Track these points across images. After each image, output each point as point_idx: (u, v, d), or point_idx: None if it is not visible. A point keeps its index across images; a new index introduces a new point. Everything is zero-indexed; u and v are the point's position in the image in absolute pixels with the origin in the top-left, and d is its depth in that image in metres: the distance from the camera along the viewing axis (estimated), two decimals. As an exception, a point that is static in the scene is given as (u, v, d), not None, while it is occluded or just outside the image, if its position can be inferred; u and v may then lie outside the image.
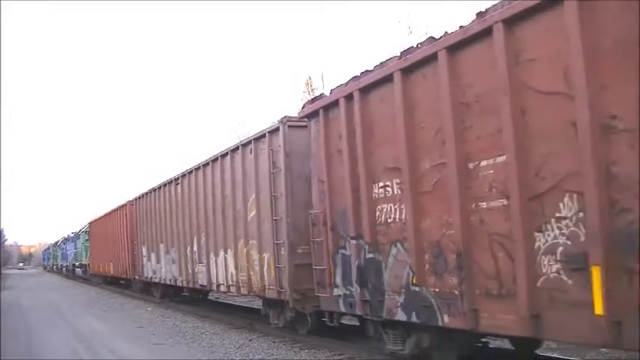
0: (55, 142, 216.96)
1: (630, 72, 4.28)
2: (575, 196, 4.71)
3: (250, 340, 10.61)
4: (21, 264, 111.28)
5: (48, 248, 76.62)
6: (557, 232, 4.89)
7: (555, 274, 4.92)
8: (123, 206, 24.40)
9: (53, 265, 63.81)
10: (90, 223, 34.65)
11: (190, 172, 15.12)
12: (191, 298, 17.96)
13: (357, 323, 9.19)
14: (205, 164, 13.92)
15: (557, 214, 4.87)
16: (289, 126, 9.89)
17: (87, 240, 35.33)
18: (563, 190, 4.80)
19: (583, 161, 4.57)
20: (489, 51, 5.40)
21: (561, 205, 4.83)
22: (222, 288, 13.24)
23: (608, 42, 4.45)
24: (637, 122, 4.25)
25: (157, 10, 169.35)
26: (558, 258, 4.89)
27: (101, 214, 31.02)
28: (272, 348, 9.75)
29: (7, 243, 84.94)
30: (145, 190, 20.34)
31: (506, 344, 7.87)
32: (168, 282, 17.81)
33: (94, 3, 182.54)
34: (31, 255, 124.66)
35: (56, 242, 61.16)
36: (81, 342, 11.35)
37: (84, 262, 37.36)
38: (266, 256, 10.67)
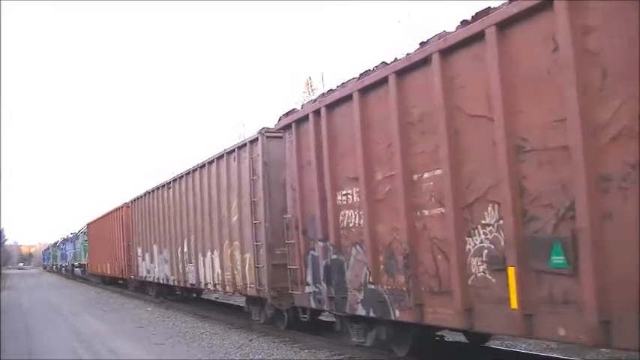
0: (55, 142, 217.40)
1: (538, 101, 4.96)
2: (496, 206, 5.40)
3: (250, 340, 10.53)
4: (21, 264, 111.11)
5: (48, 248, 77.16)
6: (483, 237, 5.57)
7: (482, 274, 5.61)
8: (119, 208, 25.06)
9: (53, 265, 64.34)
10: (88, 225, 35.26)
11: (181, 177, 15.79)
12: (184, 297, 18.69)
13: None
14: (194, 170, 14.59)
15: (483, 222, 5.56)
16: (267, 137, 10.56)
17: (85, 241, 35.94)
18: (488, 200, 5.49)
19: (501, 176, 5.25)
20: (429, 77, 6.09)
21: (486, 213, 5.52)
22: (210, 287, 13.94)
23: (521, 75, 5.13)
24: (542, 144, 4.93)
25: (158, 10, 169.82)
26: (484, 259, 5.58)
27: (99, 215, 31.68)
28: (272, 348, 9.68)
29: (7, 243, 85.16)
30: (141, 192, 21.01)
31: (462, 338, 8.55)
32: (161, 281, 18.48)
33: (94, 3, 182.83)
34: (31, 255, 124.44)
35: (56, 243, 61.73)
36: (81, 342, 11.31)
37: (83, 263, 37.97)
38: (247, 256, 11.35)
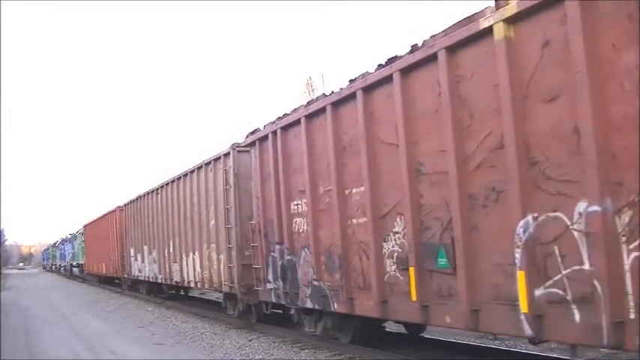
0: (55, 142, 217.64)
1: (429, 134, 6.12)
2: (402, 217, 6.55)
3: (250, 340, 10.49)
4: (21, 264, 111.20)
5: (47, 249, 78.13)
6: (394, 242, 6.73)
7: (393, 273, 6.77)
8: (113, 211, 26.17)
9: (52, 265, 65.36)
10: (85, 226, 36.35)
11: (167, 184, 16.92)
12: (174, 295, 19.78)
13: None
14: (178, 178, 15.73)
15: (394, 230, 6.71)
16: (238, 151, 11.70)
17: (83, 241, 37.04)
18: (396, 212, 6.64)
19: (404, 193, 6.41)
20: (355, 109, 7.25)
21: (395, 223, 6.67)
22: (192, 284, 15.10)
23: (418, 112, 6.28)
24: (432, 169, 6.09)
25: (158, 10, 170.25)
26: (394, 261, 6.73)
27: (95, 217, 32.76)
28: (272, 348, 9.65)
29: (7, 243, 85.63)
30: (133, 197, 22.14)
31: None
32: (151, 280, 19.62)
33: (94, 3, 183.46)
34: (31, 255, 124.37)
35: (55, 243, 62.75)
36: (81, 342, 11.30)
37: (80, 262, 39.06)
38: (222, 257, 12.50)
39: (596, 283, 4.46)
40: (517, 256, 5.09)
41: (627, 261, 4.27)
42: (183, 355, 9.48)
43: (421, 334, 9.44)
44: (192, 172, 14.52)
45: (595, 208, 4.40)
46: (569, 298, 4.72)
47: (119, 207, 25.10)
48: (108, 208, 28.59)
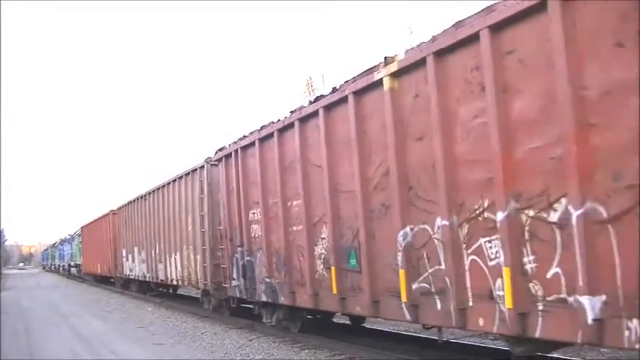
0: (56, 142, 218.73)
1: (344, 159, 7.51)
2: (327, 225, 7.95)
3: (250, 340, 10.44)
4: (21, 264, 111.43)
5: (47, 249, 79.37)
6: (321, 246, 8.13)
7: (321, 271, 8.18)
8: (107, 214, 27.54)
9: (51, 265, 66.61)
10: (82, 228, 37.68)
11: (154, 191, 18.31)
12: (165, 293, 21.14)
13: (349, 322, 10.74)
14: (163, 186, 17.12)
15: (321, 236, 8.12)
16: (211, 164, 13.09)
17: (80, 242, 38.37)
18: (323, 222, 8.04)
19: (327, 207, 7.82)
20: (294, 136, 8.65)
21: (322, 230, 8.08)
22: (175, 282, 16.50)
23: (337, 141, 7.68)
24: (346, 188, 7.49)
25: (157, 10, 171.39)
26: (322, 261, 8.14)
27: (92, 219, 34.10)
28: (272, 348, 9.61)
29: (7, 243, 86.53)
30: (124, 202, 23.52)
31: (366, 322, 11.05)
32: (140, 278, 21.02)
33: (94, 3, 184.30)
34: (31, 255, 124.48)
35: (54, 243, 64.00)
36: (81, 342, 11.25)
37: (78, 263, 40.37)
38: (198, 257, 13.90)
39: (447, 279, 5.87)
40: (399, 258, 6.50)
41: (466, 262, 5.68)
42: (183, 355, 9.40)
43: (363, 325, 10.87)
44: (174, 181, 15.91)
45: (445, 222, 5.81)
46: (433, 290, 6.13)
47: (112, 211, 26.48)
48: (106, 209, 30.07)
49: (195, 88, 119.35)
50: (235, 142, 11.04)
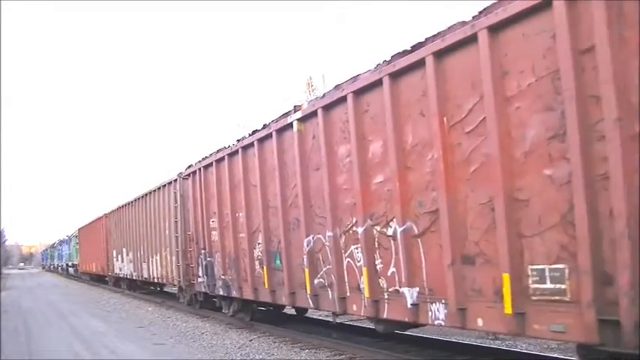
0: (56, 142, 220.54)
1: (271, 182, 9.47)
2: (261, 233, 9.93)
3: (251, 340, 10.49)
4: (22, 264, 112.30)
5: (46, 249, 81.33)
6: (259, 249, 10.11)
7: (259, 269, 10.17)
8: (100, 217, 29.53)
9: (50, 265, 68.62)
10: (79, 229, 39.68)
11: (139, 198, 20.30)
12: (151, 290, 23.11)
13: (358, 323, 10.91)
14: (146, 194, 19.10)
15: (258, 242, 10.10)
16: (183, 178, 15.06)
17: (77, 243, 40.37)
18: (259, 230, 10.02)
19: (260, 219, 9.80)
20: (239, 161, 10.61)
21: (259, 237, 10.05)
22: (156, 279, 18.51)
23: (268, 167, 9.65)
24: (274, 204, 9.46)
25: (158, 10, 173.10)
26: (259, 262, 10.12)
27: (87, 222, 36.08)
28: (272, 348, 9.66)
29: (7, 243, 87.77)
30: (115, 207, 25.50)
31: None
32: (128, 276, 23.02)
33: (95, 3, 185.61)
34: (31, 255, 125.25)
35: (53, 244, 65.98)
36: (81, 342, 11.29)
37: (75, 263, 42.39)
38: (173, 258, 15.88)
39: (333, 276, 7.86)
40: (305, 260, 8.48)
41: (345, 263, 7.66)
42: (183, 355, 9.43)
43: (306, 315, 12.88)
44: (155, 190, 17.90)
45: (331, 233, 7.79)
46: (326, 284, 8.11)
47: (105, 214, 28.46)
48: (106, 209, 31.98)
49: (196, 88, 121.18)
50: (199, 162, 13.02)
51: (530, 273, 5.01)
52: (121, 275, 24.66)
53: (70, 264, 46.56)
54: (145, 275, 19.64)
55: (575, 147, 4.52)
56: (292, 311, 13.10)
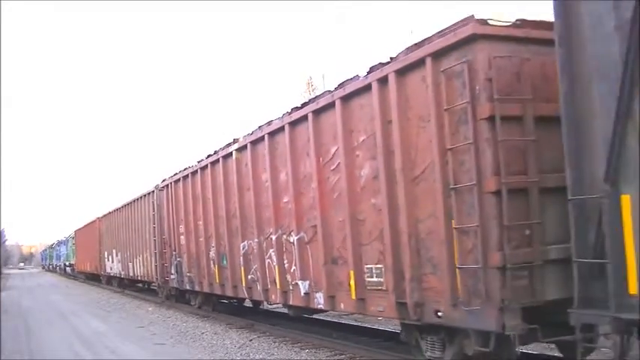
0: (57, 141, 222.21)
1: (221, 197, 11.80)
2: (214, 238, 12.24)
3: (251, 340, 10.52)
4: (22, 264, 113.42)
5: (46, 250, 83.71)
6: (212, 251, 12.43)
7: (213, 267, 12.48)
8: (94, 221, 31.88)
9: (49, 264, 71.01)
10: (75, 231, 42.04)
11: (126, 205, 22.64)
12: (139, 288, 25.40)
13: (359, 324, 11.39)
14: (131, 202, 21.45)
15: (212, 245, 12.41)
16: (159, 190, 17.38)
17: (73, 244, 42.74)
18: (212, 236, 12.33)
19: (212, 226, 12.12)
20: (198, 179, 12.94)
21: (212, 241, 12.37)
22: (139, 277, 20.88)
23: (218, 183, 11.97)
24: (222, 215, 11.77)
25: (158, 11, 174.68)
26: (212, 261, 12.45)
27: (83, 224, 38.42)
28: (273, 348, 9.70)
29: (8, 243, 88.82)
30: (106, 211, 27.87)
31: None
32: (117, 275, 25.38)
33: (94, 3, 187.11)
34: (32, 255, 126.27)
35: (52, 244, 68.36)
36: (82, 342, 11.35)
37: (72, 262, 44.77)
38: (152, 259, 18.23)
39: (258, 272, 10.19)
40: (241, 260, 10.82)
41: (266, 263, 9.97)
42: (184, 355, 9.48)
43: (261, 307, 15.20)
44: (138, 199, 20.25)
45: (256, 240, 10.12)
46: (255, 279, 10.45)
47: (98, 218, 30.81)
48: (99, 214, 34.26)
49: (197, 88, 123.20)
50: (171, 177, 15.36)
51: (365, 270, 7.32)
52: (112, 274, 27.01)
53: (67, 264, 48.92)
54: (131, 274, 22.00)
55: (383, 185, 6.83)
56: (250, 304, 15.36)
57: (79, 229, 39.83)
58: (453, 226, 5.83)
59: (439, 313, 6.15)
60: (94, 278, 35.70)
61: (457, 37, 5.70)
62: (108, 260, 27.59)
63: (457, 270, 5.83)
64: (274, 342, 10.15)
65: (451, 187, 5.83)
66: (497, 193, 5.43)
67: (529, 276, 5.51)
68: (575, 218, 4.74)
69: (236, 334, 11.26)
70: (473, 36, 5.56)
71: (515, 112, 5.54)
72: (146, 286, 25.47)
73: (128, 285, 25.62)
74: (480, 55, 5.55)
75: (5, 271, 65.39)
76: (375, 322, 11.31)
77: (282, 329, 10.99)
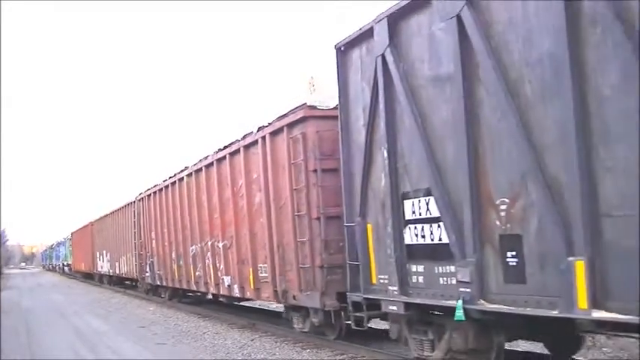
0: (59, 141, 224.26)
1: (176, 212, 15.11)
2: (174, 244, 15.56)
3: (252, 339, 10.62)
4: (23, 264, 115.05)
5: (45, 250, 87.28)
6: (174, 253, 15.76)
7: (174, 266, 15.83)
8: (88, 225, 35.32)
9: (49, 264, 74.61)
10: (72, 233, 45.55)
11: (112, 212, 26.06)
12: (126, 285, 28.73)
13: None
14: (118, 209, 24.84)
15: (173, 248, 15.75)
16: (138, 200, 20.70)
17: (70, 245, 46.27)
18: (173, 242, 15.66)
19: (173, 235, 15.45)
20: (162, 197, 16.26)
21: (173, 246, 15.70)
22: (123, 275, 24.37)
23: (174, 202, 15.29)
24: (178, 226, 15.08)
25: (159, 10, 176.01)
26: (174, 261, 15.78)
27: (78, 227, 41.89)
28: (274, 347, 9.76)
29: (9, 243, 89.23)
30: (97, 217, 31.30)
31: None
32: (106, 273, 28.86)
33: (94, 3, 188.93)
34: (33, 255, 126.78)
35: (51, 245, 71.95)
36: (83, 342, 11.46)
37: (69, 262, 48.33)
38: (133, 259, 21.61)
39: (201, 270, 13.52)
40: (190, 260, 14.14)
41: (206, 263, 13.28)
42: (185, 355, 9.59)
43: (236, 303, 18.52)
44: (123, 207, 23.65)
45: (199, 245, 13.44)
46: (200, 275, 13.76)
47: (91, 222, 34.26)
48: (92, 218, 37.64)
49: (198, 88, 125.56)
50: (145, 191, 18.72)
51: (259, 268, 10.63)
52: (102, 272, 30.44)
53: (65, 263, 52.52)
54: (117, 272, 25.42)
55: (264, 211, 10.13)
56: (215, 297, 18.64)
57: (75, 231, 43.30)
58: (297, 239, 9.10)
59: (294, 297, 9.43)
60: (89, 277, 39.12)
61: (296, 117, 8.98)
62: (99, 260, 31.02)
63: (300, 268, 9.10)
64: (276, 342, 10.26)
65: (296, 214, 9.10)
66: (319, 218, 8.68)
67: (341, 273, 8.70)
68: (346, 237, 7.99)
69: (237, 334, 11.45)
70: (304, 117, 8.83)
71: (331, 166, 8.72)
72: (134, 284, 28.90)
73: (116, 282, 29.02)
74: (310, 129, 8.81)
75: (6, 270, 66.77)
76: (375, 321, 11.42)
77: (283, 329, 10.91)
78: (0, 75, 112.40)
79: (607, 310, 4.53)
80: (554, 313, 4.93)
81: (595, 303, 4.58)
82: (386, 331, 8.01)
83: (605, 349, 7.60)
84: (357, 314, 7.86)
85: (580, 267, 4.65)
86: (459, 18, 5.71)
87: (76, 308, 18.74)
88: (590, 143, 4.62)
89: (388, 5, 6.81)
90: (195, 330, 12.32)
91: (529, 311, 5.21)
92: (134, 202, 21.13)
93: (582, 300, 4.65)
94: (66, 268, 51.66)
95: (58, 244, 60.68)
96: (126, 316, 15.91)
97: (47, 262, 79.55)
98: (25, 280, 48.06)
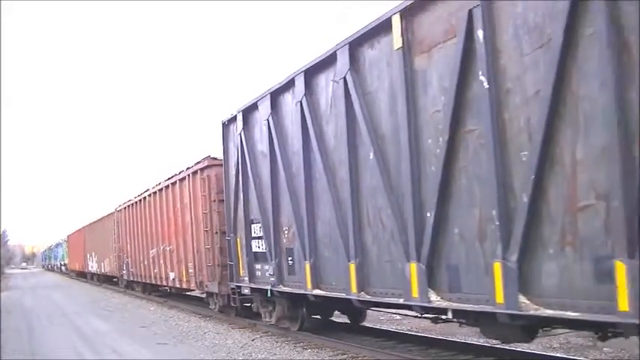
0: (60, 141, 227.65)
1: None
2: (141, 247, 20.21)
3: (253, 339, 10.72)
4: (24, 264, 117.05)
5: (45, 250, 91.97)
6: (142, 254, 20.41)
7: (142, 265, 20.49)
8: (81, 229, 40.09)
9: (49, 264, 79.35)
10: (68, 235, 50.39)
11: (99, 220, 30.80)
12: (115, 282, 33.37)
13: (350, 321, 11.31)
14: (103, 217, 29.56)
15: (141, 250, 20.40)
16: (117, 211, 25.34)
17: (67, 246, 51.12)
18: (140, 245, 20.31)
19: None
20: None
21: (140, 249, 20.35)
22: (107, 273, 29.14)
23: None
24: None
25: (159, 10, 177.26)
26: (141, 260, 20.45)
27: (72, 231, 46.68)
28: (275, 347, 9.83)
29: (10, 243, 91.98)
30: (87, 223, 36.09)
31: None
32: (95, 272, 33.63)
33: (95, 3, 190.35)
34: (34, 255, 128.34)
35: (51, 246, 76.76)
36: (83, 342, 11.51)
37: (65, 262, 53.24)
38: (115, 259, 26.30)
39: (157, 268, 18.17)
40: (151, 260, 18.81)
41: (160, 263, 17.91)
42: (186, 355, 9.68)
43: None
44: (106, 216, 28.42)
45: (157, 248, 18.08)
46: (157, 272, 18.41)
47: (84, 226, 39.01)
48: (106, 211, 42.34)
49: (198, 88, 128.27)
50: (122, 204, 23.40)
51: (189, 266, 15.25)
52: (92, 271, 35.23)
53: (62, 263, 57.48)
54: (103, 270, 30.25)
55: (190, 227, 14.74)
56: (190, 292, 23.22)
57: (71, 233, 48.12)
58: (205, 246, 13.73)
59: (206, 286, 14.06)
60: (83, 275, 43.74)
61: (204, 164, 13.61)
62: (90, 260, 35.83)
63: (208, 266, 13.72)
64: (276, 342, 10.41)
65: (205, 229, 13.74)
66: (217, 232, 13.29)
67: (229, 270, 13.19)
68: (229, 246, 12.57)
69: (238, 334, 11.66)
70: (207, 165, 13.48)
71: (224, 198, 13.25)
72: (120, 283, 33.64)
73: (103, 280, 33.69)
74: (212, 172, 13.46)
75: (8, 270, 69.24)
76: (376, 322, 12.04)
77: (284, 329, 11.01)
78: (0, 75, 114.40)
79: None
80: (301, 291, 9.44)
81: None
82: (342, 324, 10.90)
83: (605, 349, 7.73)
84: (235, 296, 12.39)
85: (307, 267, 9.20)
86: (267, 122, 10.30)
87: (77, 308, 19.34)
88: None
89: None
90: (196, 330, 12.77)
91: (297, 290, 9.72)
92: (114, 212, 25.80)
93: (309, 283, 9.16)
94: (63, 268, 56.57)
95: (57, 245, 65.45)
96: (127, 316, 16.39)
97: (47, 262, 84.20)
98: (26, 279, 49.98)
